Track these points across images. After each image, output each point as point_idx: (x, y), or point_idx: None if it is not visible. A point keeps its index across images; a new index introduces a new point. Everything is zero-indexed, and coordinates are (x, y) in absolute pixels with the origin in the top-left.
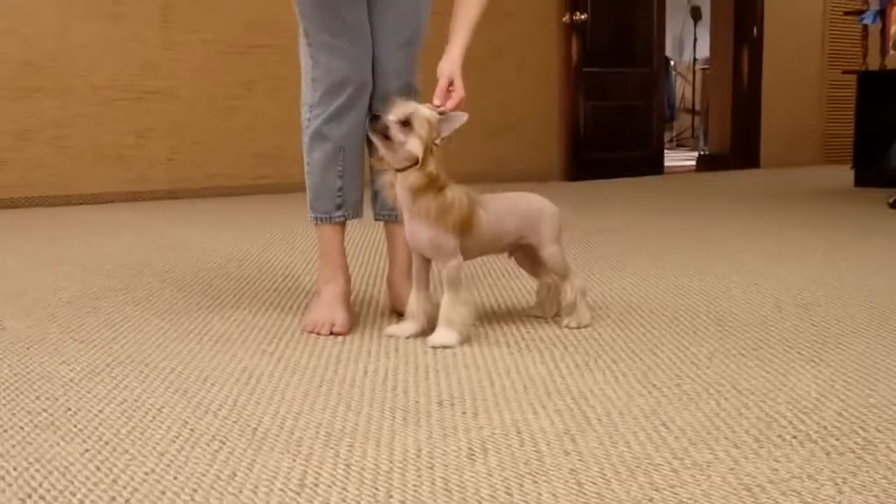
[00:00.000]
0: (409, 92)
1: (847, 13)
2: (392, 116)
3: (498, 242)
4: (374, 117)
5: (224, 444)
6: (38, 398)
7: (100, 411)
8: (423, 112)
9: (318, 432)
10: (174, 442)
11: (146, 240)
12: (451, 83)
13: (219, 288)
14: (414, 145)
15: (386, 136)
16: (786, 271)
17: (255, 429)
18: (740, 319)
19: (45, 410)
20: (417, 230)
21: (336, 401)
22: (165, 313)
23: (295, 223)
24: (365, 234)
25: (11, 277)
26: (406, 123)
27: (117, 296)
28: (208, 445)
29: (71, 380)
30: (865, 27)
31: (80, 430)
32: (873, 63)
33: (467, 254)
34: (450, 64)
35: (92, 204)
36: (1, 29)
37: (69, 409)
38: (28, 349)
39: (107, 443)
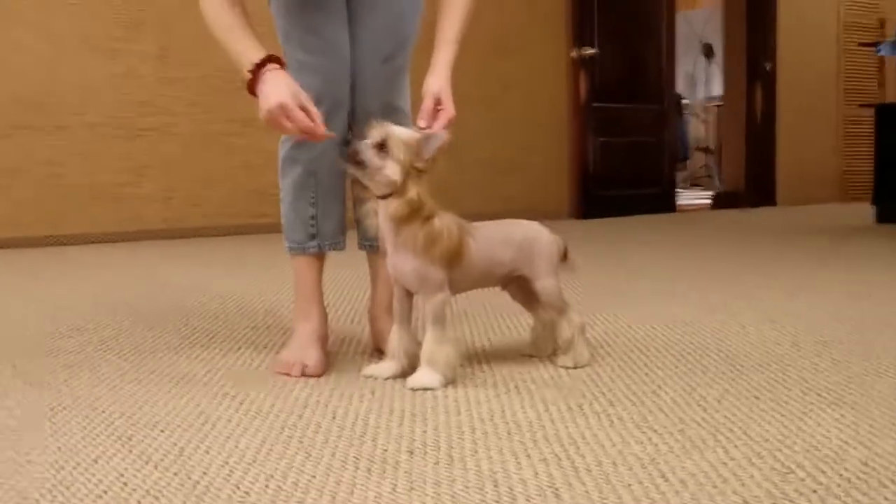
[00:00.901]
0: (392, 112)
1: (862, 45)
2: (367, 140)
3: (490, 275)
4: (345, 142)
5: (157, 499)
6: None
7: (28, 462)
8: (399, 134)
9: (267, 485)
10: (101, 498)
11: (129, 279)
12: (438, 101)
13: (193, 326)
14: (392, 170)
15: (358, 162)
16: (804, 308)
17: (197, 482)
18: (754, 358)
19: None
20: (401, 261)
21: (295, 449)
22: (129, 353)
23: (287, 262)
24: (349, 264)
25: None
26: (382, 147)
27: (83, 335)
28: (139, 502)
29: (7, 426)
30: (882, 59)
31: None
32: (891, 95)
33: (456, 287)
34: (436, 80)
35: (85, 244)
36: None
37: None
38: None
39: (25, 498)
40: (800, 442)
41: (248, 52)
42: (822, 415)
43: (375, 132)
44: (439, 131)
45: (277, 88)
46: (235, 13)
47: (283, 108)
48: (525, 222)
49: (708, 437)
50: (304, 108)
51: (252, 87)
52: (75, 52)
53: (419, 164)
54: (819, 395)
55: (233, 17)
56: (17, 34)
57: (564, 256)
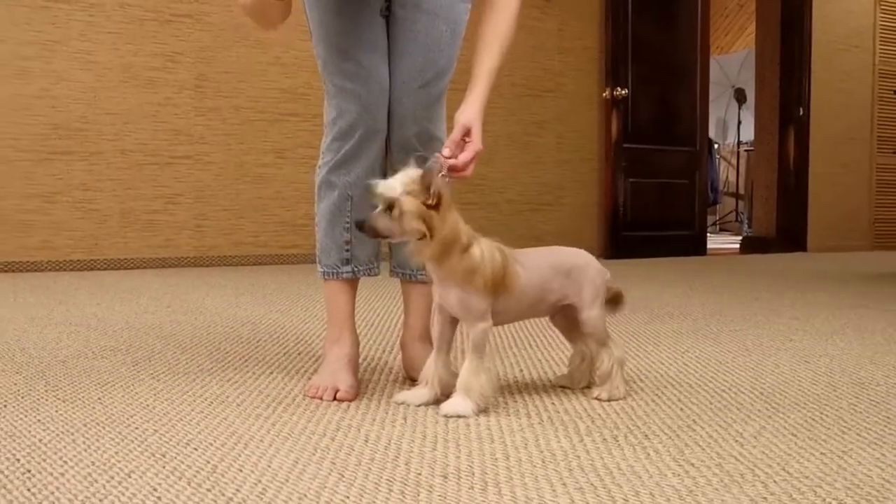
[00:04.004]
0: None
1: None
2: (375, 210)
3: (541, 303)
4: (358, 225)
5: None
6: None
7: (61, 474)
8: (395, 191)
9: None
10: None
11: (161, 303)
12: (467, 132)
13: (225, 350)
14: (410, 225)
15: (378, 234)
16: (838, 350)
17: (231, 499)
18: (790, 397)
19: (0, 472)
20: (446, 292)
21: (328, 470)
22: (162, 374)
23: (319, 291)
24: (382, 289)
25: (14, 335)
26: (391, 208)
27: (116, 356)
28: None
29: (41, 440)
30: None
31: (33, 495)
32: None
33: (505, 317)
34: (468, 111)
35: (118, 269)
36: (33, 92)
37: (28, 472)
38: (4, 406)
39: None
40: (840, 479)
41: None
42: (863, 453)
43: (377, 199)
44: (433, 161)
45: None
46: None
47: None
48: (573, 249)
49: (746, 471)
50: None
51: None
52: (115, 82)
53: (429, 202)
54: (858, 434)
55: None
56: (59, 65)
57: (618, 299)
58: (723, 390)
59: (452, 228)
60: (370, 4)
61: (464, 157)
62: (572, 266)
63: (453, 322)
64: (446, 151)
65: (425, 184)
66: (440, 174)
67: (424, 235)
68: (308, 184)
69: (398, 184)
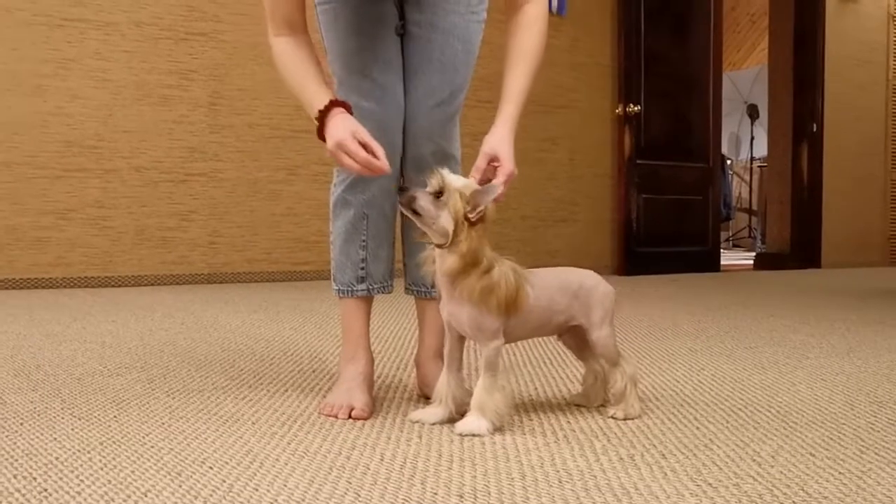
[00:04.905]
0: (444, 158)
1: None
2: (425, 188)
3: (547, 323)
4: (401, 189)
5: None
6: (14, 477)
7: (78, 493)
8: (455, 184)
9: None
10: None
11: (175, 320)
12: (493, 159)
13: (240, 368)
14: (446, 220)
15: (414, 210)
16: (855, 368)
17: None
18: (807, 416)
19: (17, 491)
20: (457, 309)
21: (344, 489)
22: (177, 392)
23: (331, 308)
24: (396, 306)
25: (30, 352)
26: (439, 195)
27: (131, 373)
28: None
29: (57, 458)
30: None
31: None
32: None
33: (513, 335)
34: (494, 137)
35: (132, 286)
36: (48, 109)
37: (44, 490)
38: (21, 424)
39: None
40: (860, 500)
41: (315, 98)
42: (882, 474)
43: (434, 180)
44: (496, 184)
45: (337, 128)
46: (303, 56)
47: (340, 146)
48: (581, 270)
49: (765, 492)
50: (364, 144)
51: (320, 131)
52: (129, 99)
53: (471, 216)
54: (877, 454)
55: (301, 63)
56: (74, 83)
57: None
58: (739, 409)
59: (475, 249)
60: (386, 23)
61: (497, 181)
62: (580, 287)
63: (461, 338)
64: (472, 181)
65: (474, 201)
66: (490, 199)
67: (445, 242)
68: (321, 200)
69: (460, 181)
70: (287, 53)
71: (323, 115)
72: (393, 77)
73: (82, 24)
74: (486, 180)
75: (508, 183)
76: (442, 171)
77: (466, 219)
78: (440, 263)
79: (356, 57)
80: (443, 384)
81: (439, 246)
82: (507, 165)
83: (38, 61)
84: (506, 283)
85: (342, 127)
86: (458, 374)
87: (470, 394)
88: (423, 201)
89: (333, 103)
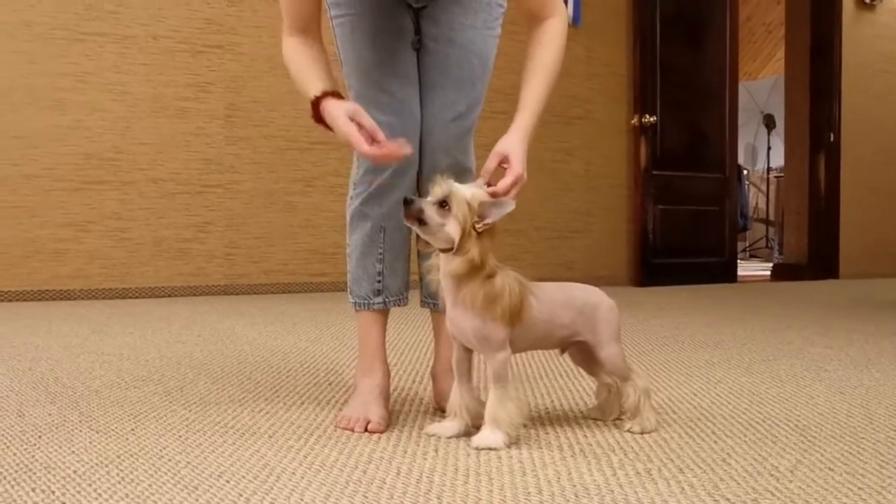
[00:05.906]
0: (461, 172)
1: None
2: (429, 198)
3: (550, 336)
4: (407, 201)
5: None
6: (33, 490)
7: None
8: (461, 192)
9: None
10: None
11: (192, 332)
12: (504, 160)
13: (256, 380)
14: (452, 228)
15: (420, 220)
16: (874, 381)
17: None
18: (825, 430)
19: None
20: (461, 319)
21: None
22: (194, 405)
23: (347, 320)
24: (412, 319)
25: (48, 364)
26: (443, 204)
27: (148, 386)
28: None
29: (75, 471)
30: None
31: None
32: None
33: (514, 346)
34: (506, 140)
35: (149, 297)
36: (67, 123)
37: None
38: (39, 437)
39: None
40: None
41: (311, 88)
42: None
43: (438, 189)
44: (509, 199)
45: (334, 115)
46: (311, 55)
47: (355, 114)
48: (585, 286)
49: None
50: (361, 125)
51: (317, 119)
52: (147, 112)
53: (478, 227)
54: None
55: (307, 58)
56: (93, 96)
57: None
58: (757, 422)
59: (482, 253)
60: (403, 37)
61: (503, 183)
62: (584, 303)
63: (469, 350)
64: (480, 181)
65: (483, 212)
66: (501, 215)
67: (451, 248)
68: (337, 212)
69: (468, 190)
70: (297, 51)
71: (314, 104)
72: (410, 91)
73: (100, 38)
74: (493, 183)
75: (517, 187)
76: (448, 179)
77: (474, 228)
78: (444, 266)
79: (374, 70)
80: (455, 396)
81: (444, 251)
82: (516, 167)
83: (57, 75)
84: (510, 291)
85: (337, 112)
86: (469, 385)
87: (483, 405)
88: (428, 211)
89: (326, 93)
